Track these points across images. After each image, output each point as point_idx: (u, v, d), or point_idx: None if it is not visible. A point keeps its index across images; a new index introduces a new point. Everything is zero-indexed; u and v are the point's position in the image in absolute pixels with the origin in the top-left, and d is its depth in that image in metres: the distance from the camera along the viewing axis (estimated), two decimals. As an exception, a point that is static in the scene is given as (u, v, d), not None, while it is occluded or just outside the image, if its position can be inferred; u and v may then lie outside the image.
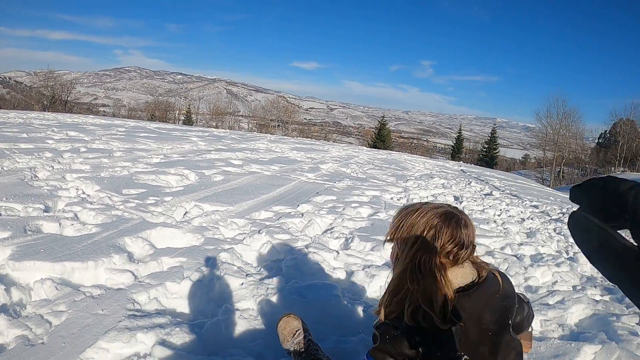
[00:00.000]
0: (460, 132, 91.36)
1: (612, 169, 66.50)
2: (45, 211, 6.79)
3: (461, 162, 52.67)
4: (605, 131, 77.04)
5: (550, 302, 5.39)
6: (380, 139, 75.93)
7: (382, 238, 6.93)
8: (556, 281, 6.57)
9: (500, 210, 12.09)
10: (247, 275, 5.06)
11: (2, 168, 9.46)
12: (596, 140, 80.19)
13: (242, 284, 4.79)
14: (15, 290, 4.21)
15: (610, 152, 70.73)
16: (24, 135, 15.39)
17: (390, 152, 42.92)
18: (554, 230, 10.51)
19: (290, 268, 5.40)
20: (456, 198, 13.41)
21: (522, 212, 12.41)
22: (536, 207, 13.95)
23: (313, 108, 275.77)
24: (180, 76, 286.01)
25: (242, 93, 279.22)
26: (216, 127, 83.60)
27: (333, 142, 74.77)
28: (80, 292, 4.29)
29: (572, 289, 6.41)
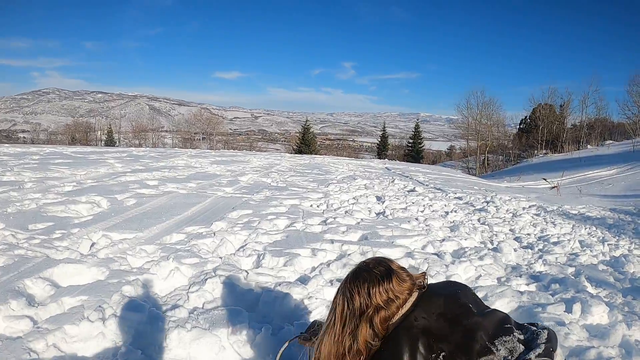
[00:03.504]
0: (384, 130, 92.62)
1: (535, 152, 68.34)
2: (-58, 257, 6.46)
3: (386, 159, 53.28)
4: (526, 117, 78.90)
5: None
6: (305, 143, 75.90)
7: (297, 251, 6.87)
8: (480, 275, 6.61)
9: (424, 206, 12.24)
10: (150, 308, 4.88)
11: None
12: (517, 126, 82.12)
13: (143, 318, 4.64)
14: None
15: (531, 136, 72.60)
16: None
17: (314, 156, 43.05)
18: (478, 220, 10.74)
19: (196, 296, 5.27)
20: (378, 198, 13.49)
21: (445, 205, 12.63)
22: (460, 198, 14.22)
23: (237, 118, 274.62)
24: (100, 95, 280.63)
25: (164, 108, 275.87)
26: (139, 145, 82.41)
27: (259, 150, 74.60)
28: None
29: (496, 281, 6.48)
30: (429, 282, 2.58)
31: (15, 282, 5.43)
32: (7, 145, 35.37)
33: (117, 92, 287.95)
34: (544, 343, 2.29)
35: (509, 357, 2.23)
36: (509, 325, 2.37)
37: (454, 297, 2.47)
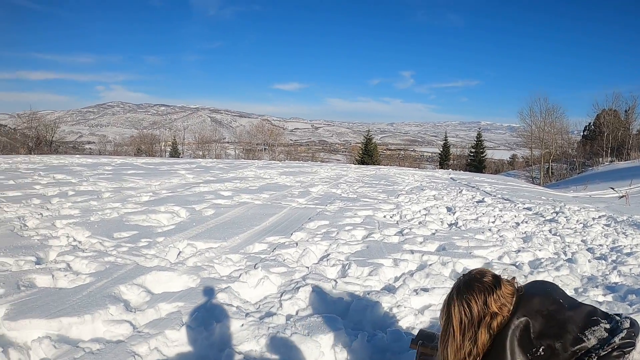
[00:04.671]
0: (446, 139, 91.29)
1: (600, 159, 66.55)
2: (37, 263, 6.71)
3: (450, 169, 52.78)
4: (590, 123, 76.63)
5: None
6: (368, 154, 75.53)
7: (380, 261, 6.86)
8: (558, 286, 6.48)
9: (494, 216, 12.05)
10: (246, 314, 5.00)
11: (-10, 220, 9.36)
12: (581, 133, 79.94)
13: (242, 325, 4.74)
14: (13, 351, 4.16)
15: (596, 144, 70.41)
16: (11, 182, 15.29)
17: (379, 167, 42.89)
18: (550, 231, 10.50)
19: (289, 303, 5.35)
20: (449, 209, 13.34)
21: (515, 216, 12.40)
22: (529, 209, 13.94)
23: (298, 128, 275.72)
24: (163, 107, 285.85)
25: (226, 120, 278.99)
26: (203, 156, 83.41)
27: (321, 161, 74.62)
28: (79, 348, 4.21)
29: (574, 292, 6.37)
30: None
31: (111, 288, 5.63)
32: (77, 155, 36.38)
33: (179, 105, 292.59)
34: (626, 329, 2.51)
35: (597, 345, 2.44)
36: (595, 317, 2.57)
37: (547, 295, 2.69)
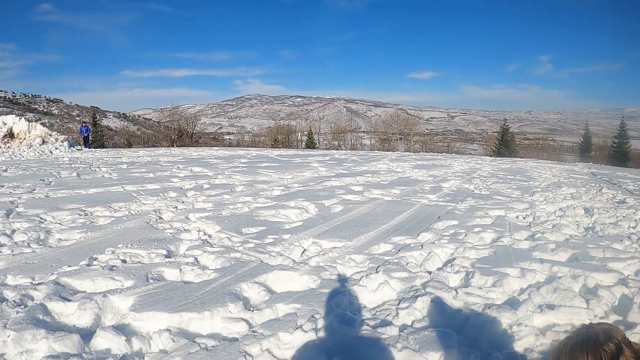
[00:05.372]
0: (586, 129, 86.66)
1: None
2: (167, 257, 7.03)
3: (590, 163, 50.40)
4: None
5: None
6: (504, 144, 73.00)
7: (506, 270, 6.50)
8: None
9: (635, 221, 10.90)
10: (361, 322, 4.92)
11: (129, 212, 9.90)
12: None
13: (355, 333, 4.69)
14: (136, 340, 4.42)
15: None
16: (151, 175, 16.11)
17: (515, 159, 41.52)
18: (699, 241, 9.54)
19: (406, 313, 5.19)
20: (586, 210, 12.51)
21: (660, 220, 11.36)
22: (675, 212, 12.85)
23: (433, 118, 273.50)
24: (299, 99, 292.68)
25: (361, 109, 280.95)
26: (338, 146, 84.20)
27: (456, 152, 73.37)
28: (195, 343, 4.39)
29: None
30: None
31: (233, 285, 5.77)
32: (216, 148, 37.68)
33: (315, 96, 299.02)
34: None
35: None
36: None
37: None
